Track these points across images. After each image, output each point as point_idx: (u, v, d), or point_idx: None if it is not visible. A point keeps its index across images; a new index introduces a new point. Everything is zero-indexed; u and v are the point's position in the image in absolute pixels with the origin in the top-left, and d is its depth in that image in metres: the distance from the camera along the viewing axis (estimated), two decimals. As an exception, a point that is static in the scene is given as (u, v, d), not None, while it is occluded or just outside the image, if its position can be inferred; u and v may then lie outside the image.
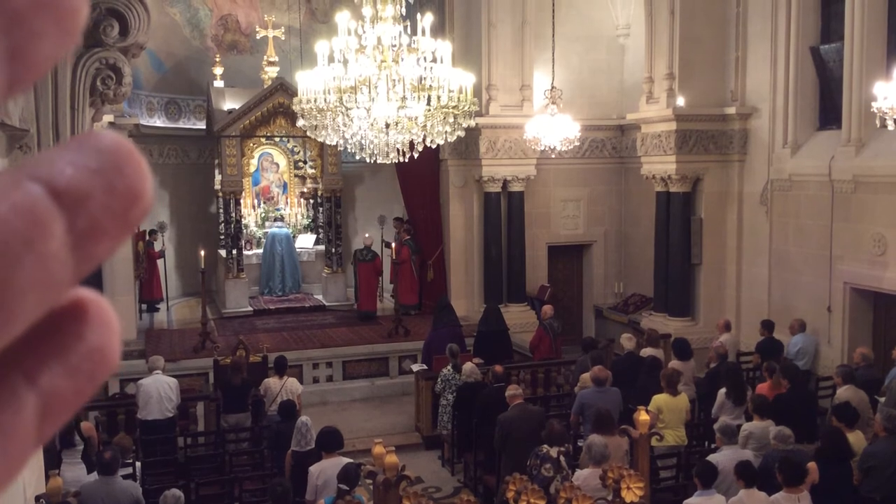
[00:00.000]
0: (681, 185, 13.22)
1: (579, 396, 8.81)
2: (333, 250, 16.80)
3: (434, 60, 6.66)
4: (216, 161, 16.76)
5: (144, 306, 16.01)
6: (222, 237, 16.80)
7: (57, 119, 3.21)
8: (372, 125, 6.75)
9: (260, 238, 17.62)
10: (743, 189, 13.03)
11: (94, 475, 6.69)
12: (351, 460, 6.73)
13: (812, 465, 6.32)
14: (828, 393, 9.88)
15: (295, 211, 18.29)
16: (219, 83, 17.34)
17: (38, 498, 4.45)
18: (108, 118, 12.07)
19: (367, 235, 16.07)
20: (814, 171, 11.54)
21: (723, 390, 8.71)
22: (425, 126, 6.90)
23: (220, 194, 16.71)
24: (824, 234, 11.38)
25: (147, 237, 15.96)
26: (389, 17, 6.63)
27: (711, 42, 12.99)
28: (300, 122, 7.15)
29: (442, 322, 11.91)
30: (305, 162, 17.82)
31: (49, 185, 0.30)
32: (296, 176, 18.35)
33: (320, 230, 17.81)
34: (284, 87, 15.51)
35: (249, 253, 17.13)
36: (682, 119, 12.88)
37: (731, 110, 12.83)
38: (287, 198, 18.45)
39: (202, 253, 13.05)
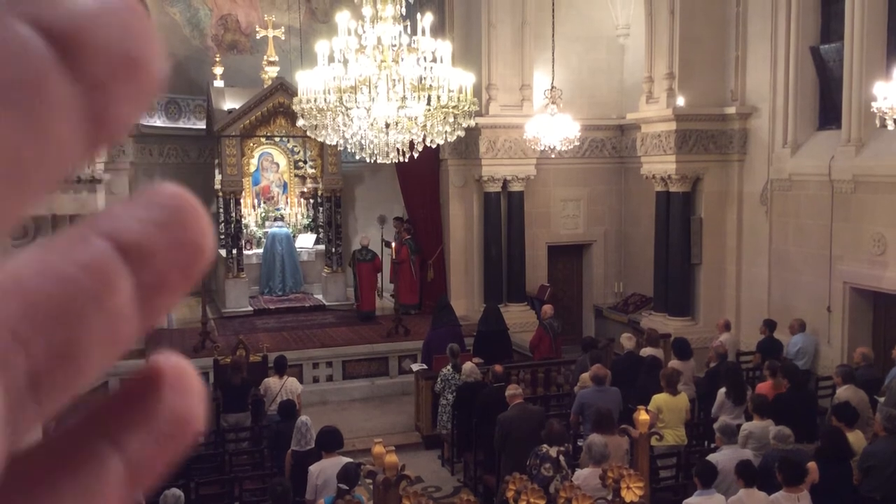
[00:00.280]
0: (681, 184, 13.23)
1: (579, 396, 8.81)
2: (333, 250, 16.81)
3: (434, 60, 6.67)
4: (216, 161, 16.77)
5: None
6: (222, 237, 16.79)
7: (57, 119, 3.21)
8: (372, 125, 6.76)
9: (260, 238, 17.62)
10: (743, 189, 13.03)
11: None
12: (351, 460, 6.73)
13: (812, 464, 6.32)
14: (828, 393, 9.88)
15: (295, 211, 18.30)
16: (219, 83, 17.35)
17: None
18: (108, 118, 12.06)
19: (364, 235, 16.08)
20: (814, 171, 11.54)
21: (722, 390, 8.71)
22: (425, 126, 6.91)
23: (221, 194, 16.71)
24: (824, 233, 11.38)
25: (147, 237, 15.94)
26: (389, 17, 6.64)
27: (711, 42, 12.99)
28: (300, 122, 7.15)
29: (441, 322, 11.92)
30: (305, 162, 17.82)
31: (116, 240, 0.30)
32: (296, 176, 18.35)
33: (320, 230, 17.81)
34: (284, 87, 15.50)
35: (249, 252, 17.13)
36: (681, 119, 12.88)
37: (731, 110, 12.84)
38: (287, 197, 18.45)
39: (202, 252, 13.04)
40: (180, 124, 18.50)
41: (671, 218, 13.52)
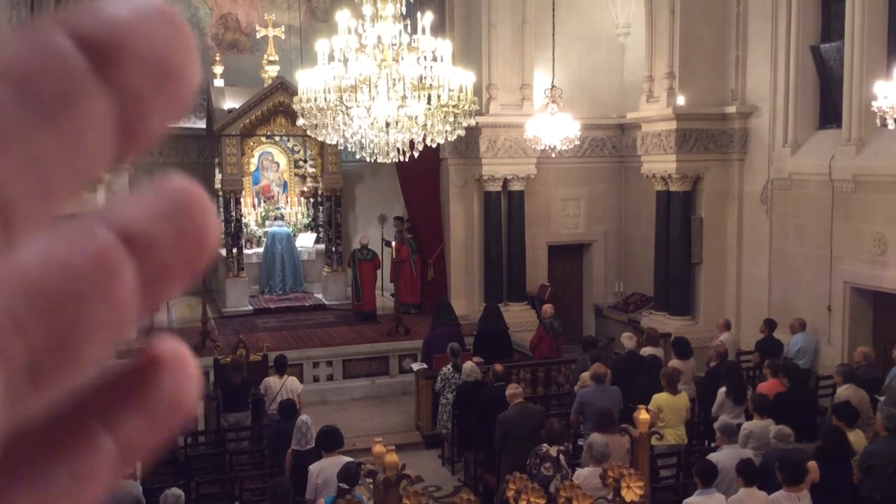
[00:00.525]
0: (681, 184, 13.22)
1: (579, 395, 8.81)
2: (334, 249, 16.81)
3: (434, 59, 6.66)
4: (216, 160, 16.77)
5: (144, 305, 16.00)
6: (222, 236, 16.81)
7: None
8: (372, 124, 6.75)
9: (260, 237, 17.62)
10: (743, 188, 13.03)
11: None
12: (351, 459, 6.73)
13: (812, 464, 6.32)
14: (828, 392, 9.88)
15: (295, 210, 18.30)
16: (219, 82, 17.35)
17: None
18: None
19: (363, 235, 16.07)
20: (814, 171, 11.54)
21: (723, 389, 8.71)
22: (425, 125, 6.90)
23: (221, 193, 16.70)
24: (824, 233, 11.38)
25: (147, 236, 15.95)
26: (389, 16, 6.63)
27: (711, 41, 12.99)
28: (300, 121, 7.15)
29: (441, 321, 11.91)
30: (306, 161, 17.82)
31: (121, 231, 0.31)
32: (296, 175, 18.35)
33: (320, 229, 17.81)
34: (285, 86, 15.50)
35: (250, 252, 17.13)
36: (682, 118, 12.88)
37: (732, 109, 12.83)
38: (287, 197, 18.45)
39: (202, 252, 13.04)
40: (180, 123, 18.49)
41: (671, 217, 13.51)
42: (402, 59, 6.56)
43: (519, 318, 14.38)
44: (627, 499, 5.31)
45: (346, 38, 6.56)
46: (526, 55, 14.67)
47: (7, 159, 0.27)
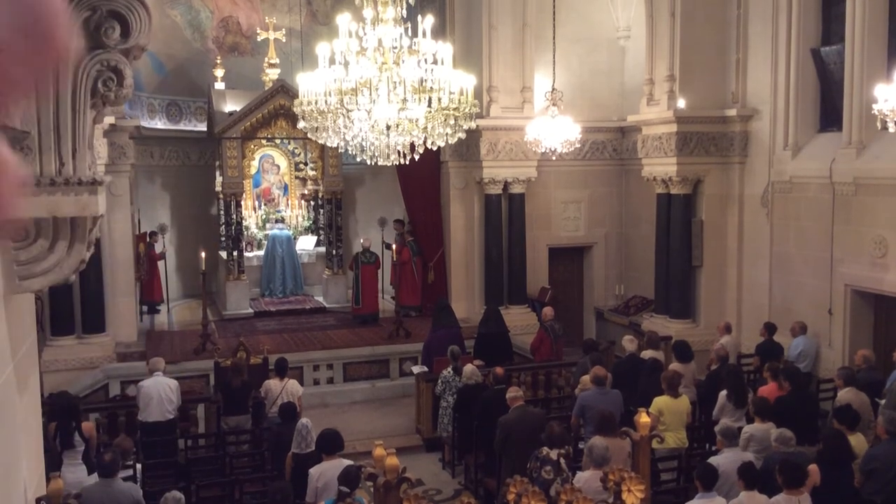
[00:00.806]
0: (681, 186, 13.23)
1: (580, 398, 8.79)
2: (334, 252, 16.81)
3: (435, 62, 6.66)
4: (217, 163, 16.78)
5: (145, 308, 16.02)
6: (223, 239, 16.81)
7: (58, 121, 3.21)
8: (373, 127, 6.75)
9: (261, 240, 17.64)
10: (744, 191, 13.02)
11: (95, 477, 6.68)
12: (351, 462, 6.72)
13: (813, 467, 6.31)
14: (829, 395, 9.88)
15: (296, 213, 18.31)
16: (220, 85, 17.36)
17: (38, 500, 4.45)
18: (109, 120, 12.08)
19: (366, 238, 16.07)
20: (815, 174, 11.54)
21: (724, 392, 8.70)
22: (426, 128, 6.90)
23: (221, 196, 16.72)
24: (825, 236, 11.37)
25: (148, 239, 15.97)
26: (390, 19, 6.63)
27: (712, 44, 12.99)
28: (301, 124, 7.14)
29: (441, 324, 11.91)
30: (306, 164, 17.83)
31: None
32: (296, 178, 18.37)
33: (321, 232, 17.82)
34: (285, 89, 15.52)
35: (250, 255, 17.14)
36: (682, 121, 12.88)
37: (732, 112, 12.83)
38: (288, 199, 18.47)
39: (203, 254, 13.06)
40: (181, 126, 18.51)
41: (672, 220, 13.51)
42: (403, 62, 6.56)
43: (519, 321, 14.38)
44: (628, 502, 5.29)
45: (346, 42, 6.56)
46: (526, 58, 14.68)
47: None
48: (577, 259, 16.58)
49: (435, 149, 7.46)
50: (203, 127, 18.17)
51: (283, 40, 17.98)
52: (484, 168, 14.68)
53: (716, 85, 13.03)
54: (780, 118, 12.17)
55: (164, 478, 8.33)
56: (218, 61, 17.79)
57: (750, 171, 12.91)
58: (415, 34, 6.67)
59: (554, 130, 12.54)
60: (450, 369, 10.28)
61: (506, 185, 14.87)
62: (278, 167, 18.36)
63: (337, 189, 16.73)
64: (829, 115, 11.77)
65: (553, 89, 12.96)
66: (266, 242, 17.28)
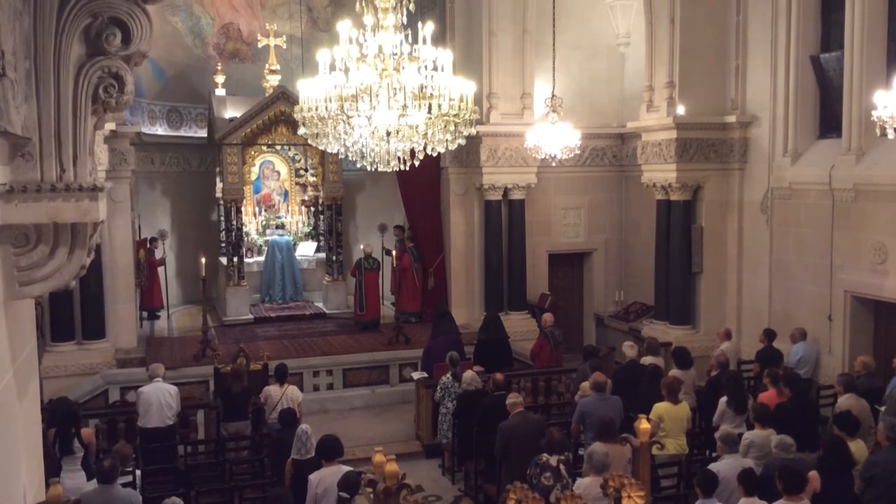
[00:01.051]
0: (681, 193, 13.24)
1: (580, 405, 8.78)
2: (334, 258, 16.82)
3: (435, 69, 6.68)
4: (217, 169, 16.79)
5: (145, 314, 16.02)
6: (223, 245, 16.82)
7: (59, 127, 3.22)
8: (373, 133, 6.76)
9: (261, 246, 17.64)
10: (743, 197, 13.03)
11: (94, 483, 6.67)
12: (351, 468, 6.71)
13: (813, 473, 6.30)
14: (829, 402, 9.86)
15: (296, 219, 18.33)
16: (220, 91, 17.39)
17: (37, 506, 4.44)
18: (110, 126, 12.10)
19: (367, 244, 16.08)
20: (814, 180, 11.55)
21: (724, 399, 8.69)
22: (426, 134, 6.91)
23: (222, 202, 16.73)
24: (825, 242, 11.38)
25: (148, 245, 15.97)
26: (390, 26, 6.65)
27: (711, 50, 13.02)
28: (301, 131, 7.16)
29: (441, 330, 11.90)
30: (306, 170, 17.85)
31: None
32: (297, 184, 18.39)
33: (321, 238, 17.83)
34: (286, 96, 15.55)
35: (250, 260, 17.15)
36: (682, 127, 12.90)
37: (732, 119, 12.85)
38: (288, 206, 18.49)
39: (203, 260, 13.06)
40: (182, 132, 18.54)
41: (672, 226, 13.52)
42: (403, 68, 6.58)
43: (519, 327, 14.37)
44: (628, 509, 5.29)
45: (347, 48, 6.57)
46: (526, 64, 14.71)
47: None
48: (577, 265, 16.58)
49: (435, 155, 7.47)
50: (203, 133, 18.19)
51: (284, 47, 18.02)
52: (484, 174, 14.70)
53: (715, 91, 13.05)
54: (779, 124, 12.19)
55: (163, 484, 8.32)
56: (218, 68, 17.83)
57: (749, 177, 12.92)
58: (415, 41, 6.68)
59: (554, 137, 12.55)
60: (449, 375, 10.28)
61: (506, 191, 14.89)
62: (278, 173, 18.39)
63: (337, 195, 16.75)
64: (829, 121, 11.79)
65: (553, 96, 12.98)
66: (266, 248, 17.30)
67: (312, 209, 18.29)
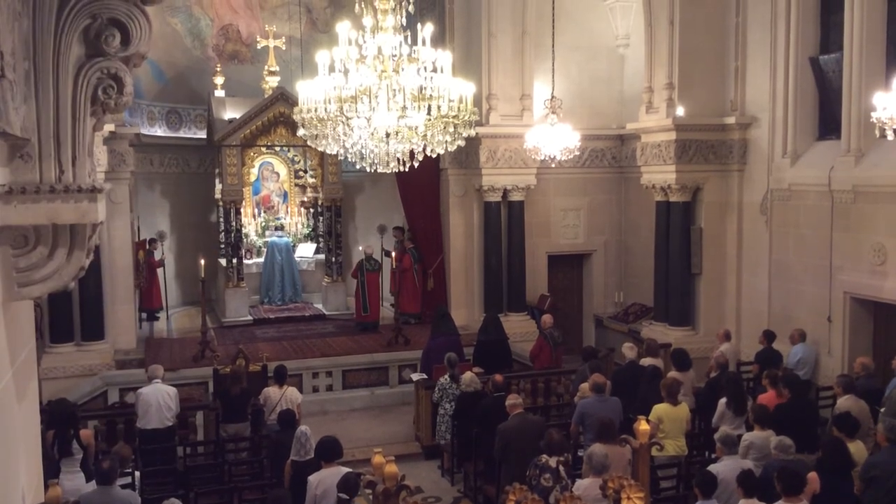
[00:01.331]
0: (680, 194, 13.24)
1: (580, 406, 8.78)
2: (333, 259, 16.82)
3: (434, 70, 6.68)
4: (217, 170, 16.79)
5: (144, 315, 16.00)
6: (222, 246, 16.81)
7: (58, 128, 3.22)
8: (372, 134, 6.76)
9: (260, 247, 17.64)
10: (743, 199, 13.04)
11: (93, 484, 6.66)
12: (350, 470, 6.71)
13: (812, 474, 6.30)
14: (828, 403, 9.86)
15: (295, 220, 18.33)
16: (219, 93, 17.39)
17: (36, 507, 4.44)
18: (109, 127, 12.09)
19: (368, 245, 16.08)
20: (813, 181, 11.55)
21: (723, 400, 8.69)
22: (425, 135, 6.91)
23: (221, 203, 16.73)
24: (824, 243, 11.38)
25: (147, 246, 15.97)
26: (390, 28, 6.65)
27: (711, 52, 13.03)
28: (301, 132, 7.16)
29: (440, 331, 11.90)
30: (306, 171, 17.85)
31: None
32: (296, 185, 18.39)
33: (320, 239, 17.83)
34: (285, 97, 15.55)
35: (249, 262, 17.14)
36: (681, 129, 12.90)
37: (731, 120, 12.86)
38: (287, 207, 18.48)
39: (202, 262, 13.06)
40: (181, 134, 18.54)
41: (671, 228, 13.52)
42: (403, 69, 6.58)
43: (519, 329, 14.38)
44: (627, 510, 5.28)
45: (346, 49, 6.57)
46: (526, 66, 14.72)
47: None
48: (577, 266, 16.58)
49: (434, 156, 7.47)
50: (203, 134, 18.19)
51: (283, 48, 18.03)
52: (483, 175, 14.70)
53: (715, 93, 13.06)
54: (778, 126, 12.19)
55: (162, 485, 8.31)
56: (218, 69, 17.83)
57: (749, 178, 12.92)
58: (414, 42, 6.69)
59: (553, 138, 12.56)
60: (447, 377, 10.28)
61: (505, 192, 14.89)
62: (278, 174, 18.38)
63: (336, 196, 16.76)
64: (828, 122, 11.80)
65: (552, 97, 12.99)
66: (265, 250, 17.29)
67: (312, 210, 18.29)
